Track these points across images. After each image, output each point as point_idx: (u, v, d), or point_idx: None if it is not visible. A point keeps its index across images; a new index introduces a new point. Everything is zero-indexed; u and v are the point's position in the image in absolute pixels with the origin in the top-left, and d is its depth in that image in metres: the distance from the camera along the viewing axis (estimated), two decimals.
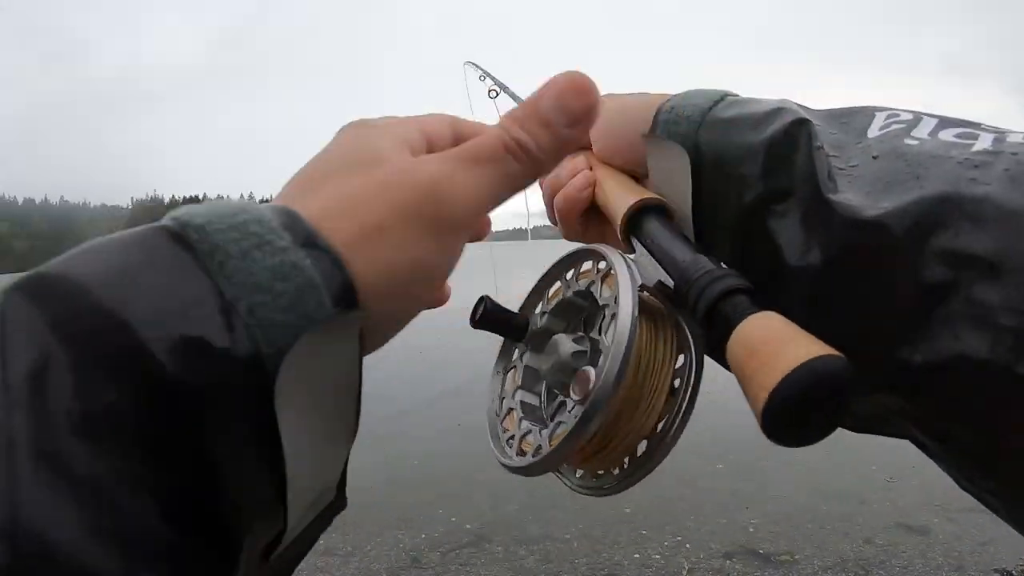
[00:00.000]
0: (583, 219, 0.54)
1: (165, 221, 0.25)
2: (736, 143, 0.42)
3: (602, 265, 0.44)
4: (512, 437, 0.45)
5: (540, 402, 0.48)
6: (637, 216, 0.46)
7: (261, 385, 0.23)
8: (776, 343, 0.30)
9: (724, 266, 0.38)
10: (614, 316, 0.39)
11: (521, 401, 0.47)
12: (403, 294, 0.29)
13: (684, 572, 3.22)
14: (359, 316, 0.26)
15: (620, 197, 0.48)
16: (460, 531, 3.63)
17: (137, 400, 0.21)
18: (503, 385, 0.50)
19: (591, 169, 0.53)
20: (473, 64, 1.09)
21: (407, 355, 8.16)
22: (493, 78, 1.00)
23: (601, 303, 0.43)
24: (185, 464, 0.22)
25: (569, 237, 0.55)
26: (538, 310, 0.50)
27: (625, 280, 0.39)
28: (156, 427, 0.22)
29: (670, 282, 0.41)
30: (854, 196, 0.37)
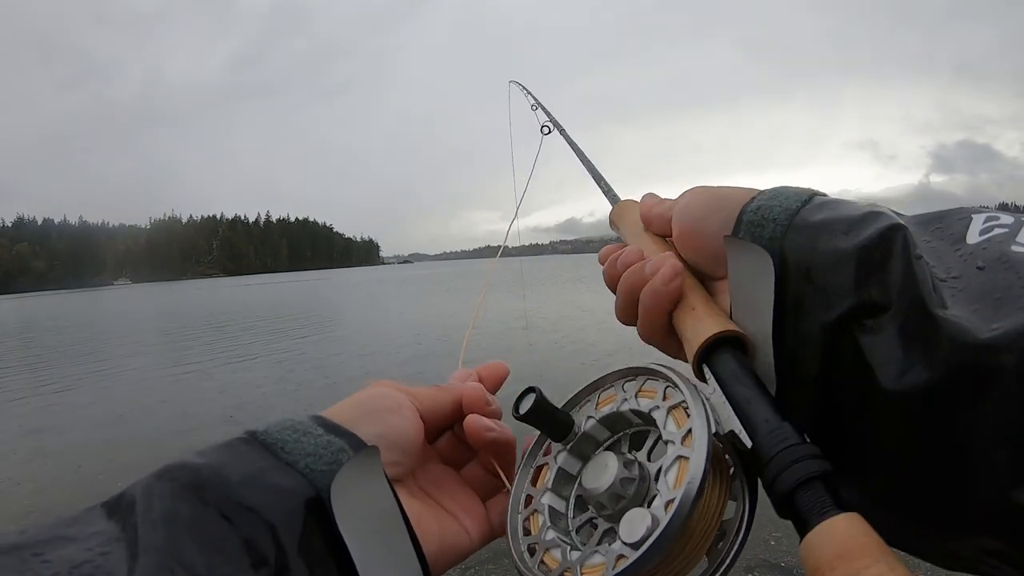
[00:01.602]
0: (668, 320, 0.48)
1: (239, 434, 0.37)
2: (825, 249, 0.39)
3: (671, 393, 0.42)
4: (536, 544, 0.43)
5: (567, 509, 0.45)
6: (713, 346, 0.42)
7: (324, 512, 0.33)
8: (858, 561, 0.28)
9: (807, 439, 0.35)
10: (678, 460, 0.38)
11: (549, 505, 0.45)
12: (397, 431, 0.43)
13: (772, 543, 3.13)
14: (371, 451, 0.37)
15: (696, 321, 0.44)
16: None
17: (240, 528, 0.31)
18: (530, 480, 0.48)
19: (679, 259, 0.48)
20: (520, 86, 1.01)
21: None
22: (546, 111, 0.91)
23: (664, 437, 0.40)
24: (278, 567, 0.31)
25: (649, 338, 0.50)
26: (584, 412, 0.48)
27: (702, 433, 0.37)
28: (257, 544, 0.31)
29: (746, 439, 0.38)
30: (962, 313, 0.33)
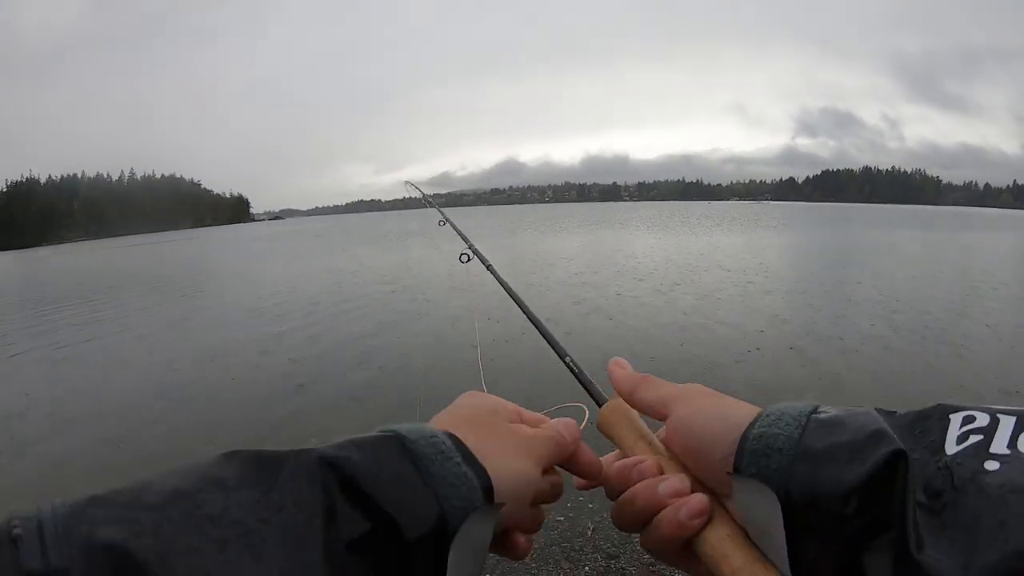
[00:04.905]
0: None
1: (390, 432, 0.43)
2: (832, 479, 0.39)
3: None
4: None
5: None
6: None
7: (443, 537, 0.40)
8: None
9: None
10: None
11: None
12: (518, 498, 0.48)
13: (589, 532, 3.57)
14: (497, 507, 0.44)
15: None
16: None
17: (378, 533, 0.38)
18: None
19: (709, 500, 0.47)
20: (413, 185, 1.27)
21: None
22: (440, 211, 1.02)
23: None
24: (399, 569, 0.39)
25: (660, 555, 0.50)
26: None
27: None
28: (389, 548, 0.38)
29: None
30: (938, 554, 0.34)
